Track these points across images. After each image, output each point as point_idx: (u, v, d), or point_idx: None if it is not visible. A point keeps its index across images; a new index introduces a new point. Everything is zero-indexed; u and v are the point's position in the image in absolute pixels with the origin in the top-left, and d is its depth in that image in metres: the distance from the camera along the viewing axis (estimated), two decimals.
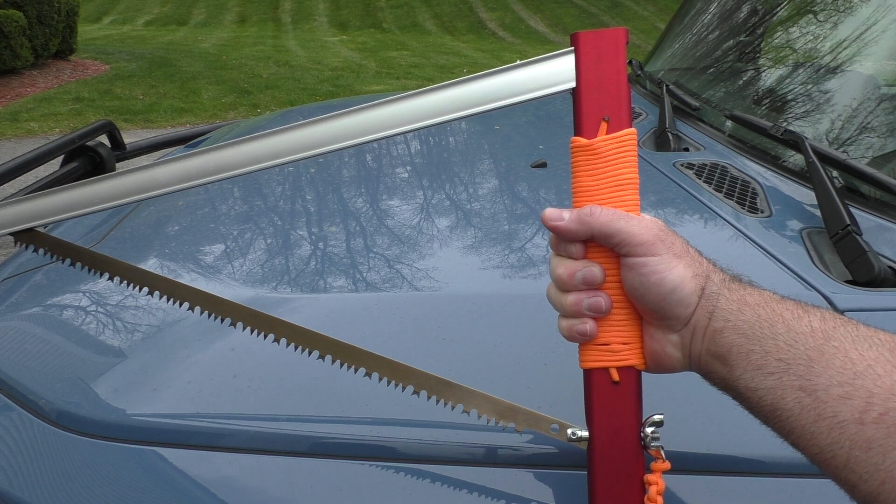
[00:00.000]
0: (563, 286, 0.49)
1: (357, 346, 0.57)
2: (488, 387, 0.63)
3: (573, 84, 0.50)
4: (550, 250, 0.52)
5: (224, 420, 0.62)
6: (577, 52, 0.50)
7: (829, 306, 0.69)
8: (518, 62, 0.51)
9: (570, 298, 0.49)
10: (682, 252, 0.47)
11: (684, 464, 0.56)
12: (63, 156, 1.38)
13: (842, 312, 0.68)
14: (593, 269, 0.48)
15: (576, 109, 0.50)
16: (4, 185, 1.21)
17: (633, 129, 0.49)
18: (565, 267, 0.49)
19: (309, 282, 0.83)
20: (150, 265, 0.88)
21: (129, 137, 1.61)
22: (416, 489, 0.56)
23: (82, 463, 0.60)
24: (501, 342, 0.69)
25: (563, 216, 0.49)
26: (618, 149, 0.49)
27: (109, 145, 1.49)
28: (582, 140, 0.49)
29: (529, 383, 0.64)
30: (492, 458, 0.58)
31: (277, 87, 8.61)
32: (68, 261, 0.62)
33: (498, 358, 0.67)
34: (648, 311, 0.48)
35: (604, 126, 0.49)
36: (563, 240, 0.50)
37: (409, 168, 1.24)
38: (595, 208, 0.48)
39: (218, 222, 1.02)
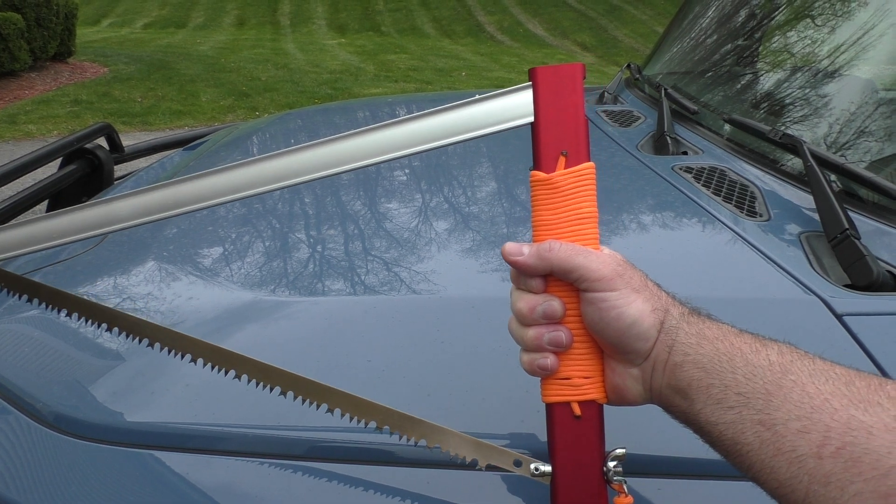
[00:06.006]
0: (524, 320, 0.50)
1: (318, 381, 0.57)
2: (487, 391, 0.63)
3: (531, 118, 0.51)
4: (511, 284, 0.52)
5: (222, 423, 0.62)
6: (534, 87, 0.50)
7: (827, 310, 0.69)
8: (477, 96, 0.52)
9: (531, 333, 0.49)
10: (640, 286, 0.48)
11: (672, 468, 0.57)
12: (62, 158, 1.38)
13: (840, 316, 0.68)
14: (553, 304, 0.49)
15: (534, 143, 0.51)
16: (3, 188, 1.21)
17: (591, 164, 0.50)
18: (525, 301, 0.50)
19: (307, 285, 0.83)
20: (148, 268, 0.88)
21: (128, 140, 1.62)
22: (414, 492, 0.56)
23: (80, 466, 0.60)
24: (500, 346, 0.68)
25: (522, 251, 0.49)
26: (576, 183, 0.49)
27: (108, 148, 1.49)
28: (541, 174, 0.50)
29: (528, 387, 0.63)
30: None
31: (276, 89, 8.61)
32: (25, 297, 0.62)
33: (497, 362, 0.67)
34: (608, 345, 0.49)
35: (562, 160, 0.50)
36: (522, 274, 0.50)
37: (407, 171, 1.24)
38: (554, 243, 0.48)
39: (216, 225, 1.02)
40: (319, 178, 0.53)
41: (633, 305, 0.47)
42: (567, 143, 0.50)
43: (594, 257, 0.48)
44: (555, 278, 0.49)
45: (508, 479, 0.57)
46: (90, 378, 0.69)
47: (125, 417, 0.63)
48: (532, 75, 0.51)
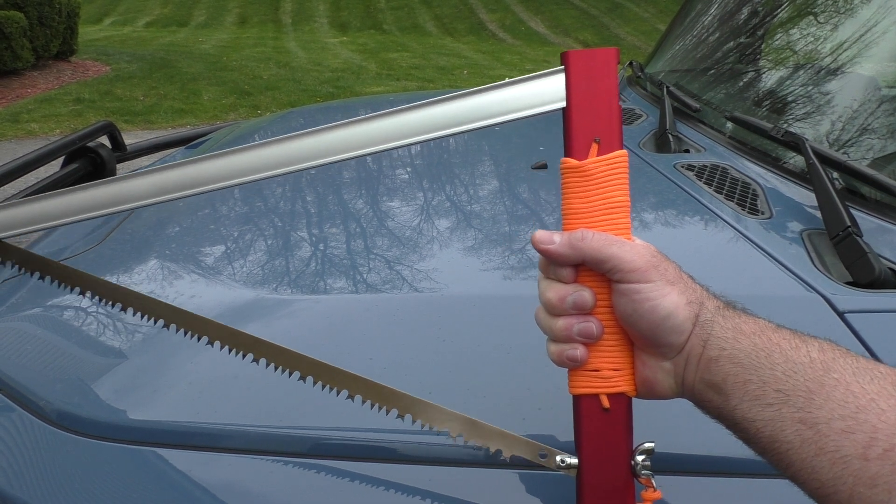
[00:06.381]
0: (553, 310, 0.49)
1: (339, 367, 0.56)
2: (489, 390, 0.63)
3: (563, 104, 0.49)
4: (539, 272, 0.51)
5: (224, 421, 0.62)
6: (567, 72, 0.49)
7: (829, 308, 0.69)
8: (508, 80, 0.50)
9: (560, 323, 0.48)
10: (675, 278, 0.47)
11: (687, 465, 0.56)
12: (64, 157, 1.38)
13: (842, 314, 0.68)
14: (584, 294, 0.48)
15: (566, 129, 0.49)
16: (5, 186, 1.21)
17: (624, 152, 0.49)
18: (555, 291, 0.48)
19: (310, 283, 0.83)
20: (151, 266, 0.88)
21: (130, 139, 1.62)
22: (417, 490, 0.56)
23: (83, 464, 0.60)
24: (502, 344, 0.69)
25: (553, 239, 0.48)
26: (609, 171, 0.48)
27: (110, 146, 1.49)
28: (572, 161, 0.49)
29: (531, 385, 0.63)
30: (494, 459, 0.58)
31: (278, 88, 8.61)
32: (37, 274, 0.60)
33: (499, 360, 0.67)
34: (641, 337, 0.47)
35: (594, 147, 0.48)
36: (553, 263, 0.49)
37: (409, 169, 1.24)
38: (587, 233, 0.47)
39: (218, 223, 1.02)
40: (340, 161, 0.51)
41: (668, 297, 0.45)
42: (600, 130, 0.48)
43: (628, 247, 0.46)
44: (585, 268, 0.48)
45: (510, 476, 0.57)
46: (93, 375, 0.70)
47: (127, 415, 0.63)
48: (565, 59, 0.49)
